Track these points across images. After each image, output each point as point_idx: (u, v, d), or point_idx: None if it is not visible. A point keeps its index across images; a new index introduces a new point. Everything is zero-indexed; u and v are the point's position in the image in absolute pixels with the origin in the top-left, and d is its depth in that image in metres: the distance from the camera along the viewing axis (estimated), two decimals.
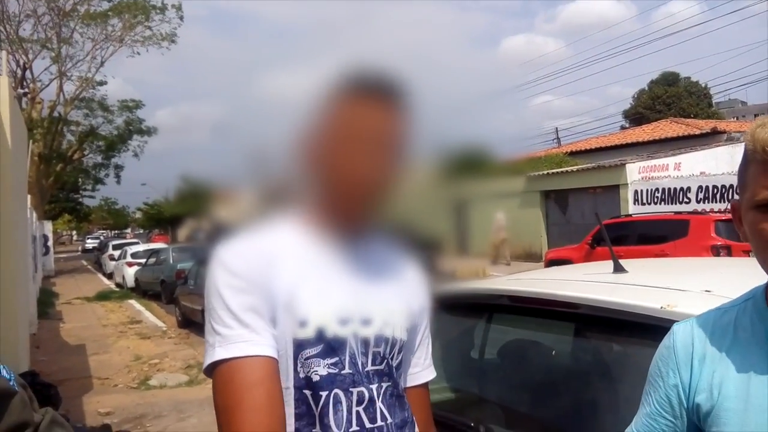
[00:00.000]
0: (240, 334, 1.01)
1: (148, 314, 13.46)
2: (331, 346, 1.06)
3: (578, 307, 1.83)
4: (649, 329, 1.63)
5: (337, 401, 1.06)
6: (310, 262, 1.09)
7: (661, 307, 1.57)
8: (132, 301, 15.77)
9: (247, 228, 1.12)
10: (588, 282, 2.07)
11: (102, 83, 26.38)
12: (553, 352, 2.15)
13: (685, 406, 1.01)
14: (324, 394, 1.05)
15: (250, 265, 1.04)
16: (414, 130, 1.12)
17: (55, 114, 25.04)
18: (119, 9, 24.67)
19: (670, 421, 1.04)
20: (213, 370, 1.02)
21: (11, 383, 1.03)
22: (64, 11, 24.06)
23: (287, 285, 1.05)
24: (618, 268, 2.12)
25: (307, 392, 1.05)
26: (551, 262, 13.03)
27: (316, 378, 1.05)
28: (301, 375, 1.05)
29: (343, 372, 1.07)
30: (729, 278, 2.16)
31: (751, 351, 0.96)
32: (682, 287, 1.84)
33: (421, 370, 1.25)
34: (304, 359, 1.05)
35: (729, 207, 1.02)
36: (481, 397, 2.39)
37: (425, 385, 1.27)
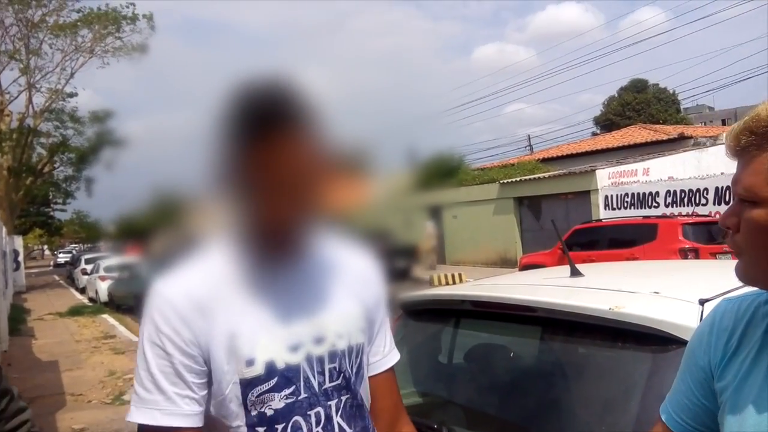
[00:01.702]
0: (155, 400, 1.01)
1: (122, 329, 13.28)
2: (285, 377, 1.05)
3: (536, 311, 1.90)
4: (600, 330, 1.72)
5: (297, 428, 1.06)
6: (250, 293, 1.06)
7: (610, 309, 1.65)
8: (105, 316, 15.53)
9: (181, 261, 1.08)
10: (545, 286, 2.16)
11: (72, 95, 25.96)
12: (511, 354, 2.22)
13: (713, 387, 0.98)
14: (280, 426, 1.05)
15: (178, 316, 1.01)
16: (324, 143, 1.04)
17: (25, 126, 24.61)
18: (89, 20, 24.36)
19: (702, 403, 1.00)
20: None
21: None
22: (32, 22, 23.68)
23: (226, 326, 1.03)
24: (575, 272, 2.21)
25: (260, 429, 1.04)
26: (525, 267, 13.20)
27: (270, 413, 1.04)
28: (253, 413, 1.04)
29: (300, 398, 1.06)
30: (679, 280, 2.27)
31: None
32: (633, 289, 1.93)
33: (382, 358, 1.24)
34: (256, 396, 1.04)
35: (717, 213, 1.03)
36: (447, 401, 2.45)
37: (390, 370, 1.26)
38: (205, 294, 1.03)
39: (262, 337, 1.05)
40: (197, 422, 1.03)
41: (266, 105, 1.00)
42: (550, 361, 2.17)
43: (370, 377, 1.22)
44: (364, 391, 1.19)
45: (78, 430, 5.87)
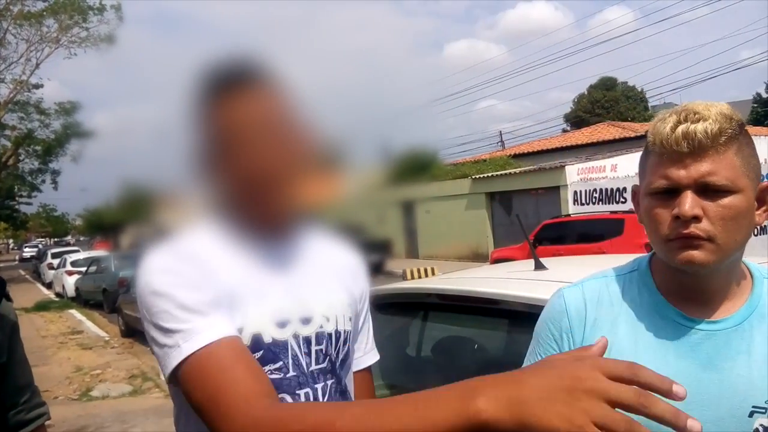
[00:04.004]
0: (204, 325, 0.94)
1: (90, 324, 13.07)
2: (272, 351, 1.04)
3: (499, 303, 1.95)
4: None
5: None
6: (241, 266, 1.06)
7: None
8: (72, 311, 15.26)
9: (173, 236, 1.07)
10: (509, 279, 2.21)
11: (38, 86, 25.40)
12: (475, 346, 2.28)
13: None
14: None
15: (189, 265, 1.00)
16: (299, 111, 1.07)
17: None
18: (55, 9, 23.81)
19: None
20: (181, 369, 0.92)
21: None
22: None
23: (225, 287, 1.01)
24: (539, 266, 2.27)
25: None
26: (496, 261, 13.36)
27: None
28: None
29: (288, 375, 1.05)
30: None
31: (640, 320, 1.05)
32: None
33: (363, 355, 1.24)
34: None
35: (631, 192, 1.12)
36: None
37: (368, 369, 1.26)
38: (200, 255, 1.02)
39: (250, 309, 1.03)
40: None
41: (232, 64, 1.05)
42: (516, 352, 2.22)
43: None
44: (349, 381, 1.19)
45: None
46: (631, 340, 1.04)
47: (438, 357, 2.53)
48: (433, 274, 14.83)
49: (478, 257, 19.33)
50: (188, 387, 0.92)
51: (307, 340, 1.08)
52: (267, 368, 1.03)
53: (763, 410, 0.95)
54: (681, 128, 0.95)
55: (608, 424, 0.60)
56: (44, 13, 23.82)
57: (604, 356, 0.73)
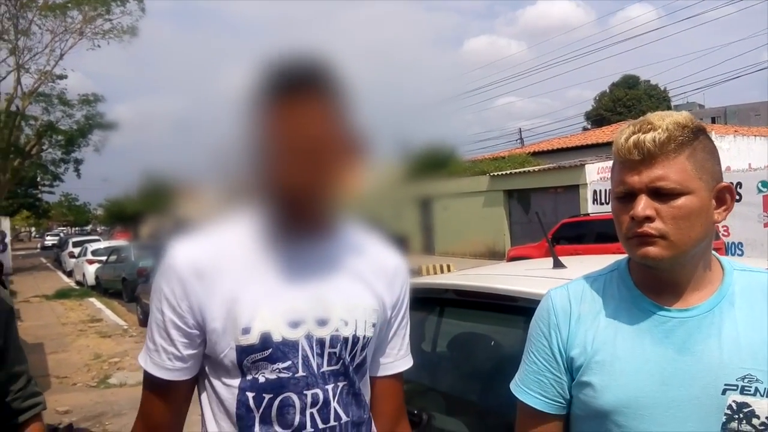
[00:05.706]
0: (150, 349, 1.13)
1: (109, 312, 13.25)
2: (281, 350, 1.07)
3: (517, 300, 1.94)
4: None
5: (287, 404, 1.07)
6: (259, 265, 1.09)
7: None
8: (92, 300, 15.48)
9: (202, 228, 1.13)
10: (527, 277, 2.20)
11: (62, 77, 25.69)
12: (492, 343, 2.26)
13: (564, 360, 1.17)
14: (267, 396, 1.07)
15: (177, 278, 1.07)
16: (347, 122, 1.08)
17: (13, 107, 24.33)
18: (79, 0, 24.07)
19: (556, 376, 1.18)
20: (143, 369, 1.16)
21: None
22: (21, 2, 23.36)
23: (229, 293, 1.06)
24: (557, 264, 2.25)
25: (250, 394, 1.07)
26: (513, 259, 13.28)
27: (262, 380, 1.07)
28: (248, 377, 1.08)
29: (297, 375, 1.07)
30: None
31: (618, 313, 1.15)
32: None
33: (394, 361, 1.24)
34: (251, 362, 1.07)
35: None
36: (429, 388, 2.49)
37: (398, 376, 1.26)
38: (208, 260, 1.08)
39: (263, 307, 1.07)
40: (178, 376, 1.12)
41: (294, 71, 1.05)
42: None
43: (377, 378, 1.23)
44: (364, 384, 1.19)
45: (62, 412, 5.88)
46: (611, 330, 1.14)
47: (453, 353, 2.53)
48: (449, 271, 14.80)
49: (495, 255, 19.25)
50: (143, 387, 1.17)
51: (321, 342, 1.10)
52: (275, 366, 1.07)
53: (735, 387, 1.04)
54: (633, 138, 1.06)
55: None
56: (69, 4, 24.08)
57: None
